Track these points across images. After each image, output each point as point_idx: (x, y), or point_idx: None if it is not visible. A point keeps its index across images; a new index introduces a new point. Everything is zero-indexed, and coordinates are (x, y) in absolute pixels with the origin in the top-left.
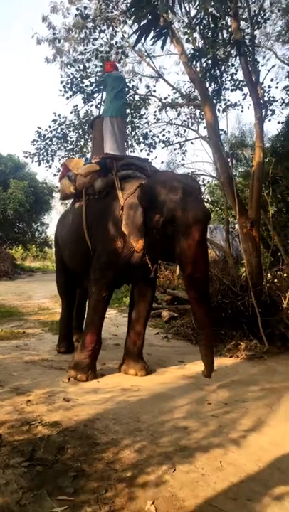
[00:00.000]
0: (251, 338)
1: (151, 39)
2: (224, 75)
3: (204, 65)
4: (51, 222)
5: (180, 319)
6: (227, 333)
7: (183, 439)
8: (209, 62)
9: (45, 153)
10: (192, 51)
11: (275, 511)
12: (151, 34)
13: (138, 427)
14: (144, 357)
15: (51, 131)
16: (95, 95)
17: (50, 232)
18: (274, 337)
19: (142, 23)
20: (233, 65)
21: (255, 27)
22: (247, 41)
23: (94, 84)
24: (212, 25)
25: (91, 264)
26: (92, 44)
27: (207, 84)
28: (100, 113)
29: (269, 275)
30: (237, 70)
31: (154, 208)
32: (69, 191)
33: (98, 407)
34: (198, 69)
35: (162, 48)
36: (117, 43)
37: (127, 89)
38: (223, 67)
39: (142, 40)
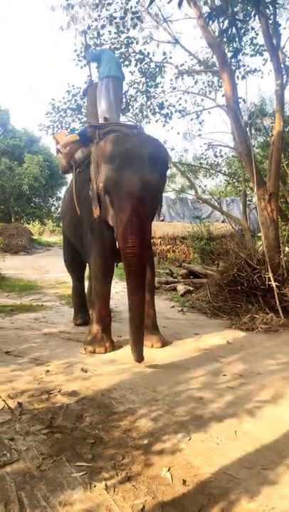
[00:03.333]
0: (267, 312)
1: None
2: (243, 38)
3: (221, 25)
4: None
5: (196, 293)
6: (243, 306)
7: (198, 409)
8: (226, 22)
9: (59, 126)
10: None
11: None
12: None
13: (154, 397)
14: (159, 329)
15: (65, 103)
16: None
17: None
18: None
19: None
20: (252, 28)
21: None
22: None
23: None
24: None
25: (85, 235)
26: (106, 9)
27: (225, 49)
28: (92, 82)
29: (287, 248)
30: (257, 34)
31: (99, 175)
32: (62, 165)
33: (115, 377)
34: (216, 33)
35: (179, 5)
36: (131, 7)
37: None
38: (241, 27)
39: None
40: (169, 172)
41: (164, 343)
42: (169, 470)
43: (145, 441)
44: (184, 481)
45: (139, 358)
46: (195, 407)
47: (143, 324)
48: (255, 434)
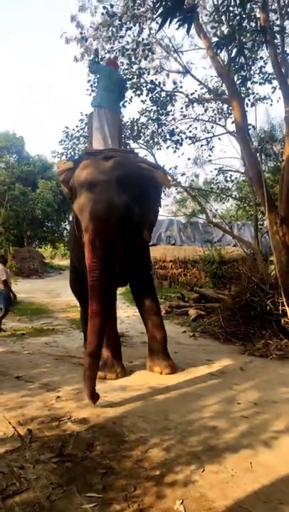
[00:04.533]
0: (281, 337)
1: (177, 22)
2: (252, 67)
3: (230, 53)
4: None
5: (208, 318)
6: (256, 331)
7: (212, 439)
8: (235, 50)
9: (72, 153)
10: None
11: None
12: (176, 19)
13: (166, 426)
14: (170, 355)
15: (78, 131)
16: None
17: None
18: None
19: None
20: (261, 58)
21: (285, 17)
22: (275, 29)
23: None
24: (239, 11)
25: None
26: (119, 42)
27: (235, 78)
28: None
29: None
30: (266, 63)
31: (75, 200)
32: (65, 191)
33: (126, 404)
34: (225, 63)
35: (188, 32)
36: (143, 39)
37: (129, 88)
38: (249, 55)
39: (167, 25)
40: (179, 197)
41: (174, 369)
42: (182, 503)
43: (157, 472)
44: None
45: (90, 395)
46: (208, 437)
47: (97, 356)
48: (271, 466)
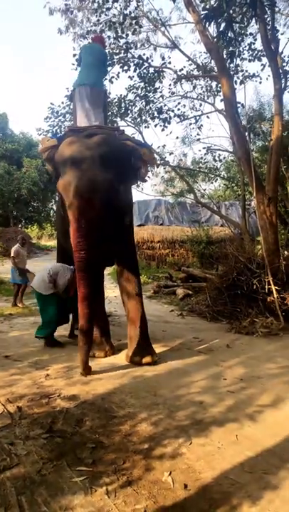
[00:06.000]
0: (267, 316)
1: None
2: (242, 43)
3: (219, 27)
4: None
5: (195, 297)
6: (242, 310)
7: (199, 414)
8: (224, 25)
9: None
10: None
11: None
12: None
13: (154, 401)
14: (157, 336)
15: (64, 107)
16: (109, 68)
17: None
18: None
19: None
20: (251, 34)
21: None
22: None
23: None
24: None
25: None
26: (106, 14)
27: (224, 54)
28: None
29: (286, 252)
30: (255, 39)
31: (59, 177)
32: (49, 169)
33: (115, 381)
34: (214, 39)
35: (173, 0)
36: (130, 12)
37: (110, 62)
38: (238, 30)
39: None
40: (167, 176)
41: (155, 359)
42: (170, 474)
43: (146, 446)
44: (186, 486)
45: (83, 366)
46: (196, 412)
47: (90, 337)
48: (256, 439)
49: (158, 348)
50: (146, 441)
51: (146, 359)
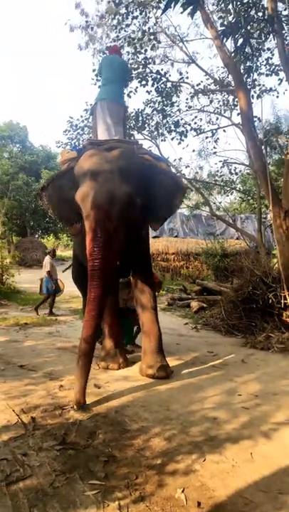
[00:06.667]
0: (283, 331)
1: (181, 6)
2: (259, 58)
3: (236, 42)
4: None
5: (209, 310)
6: (258, 324)
7: (213, 430)
8: (241, 40)
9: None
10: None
11: None
12: (180, 2)
13: (168, 416)
14: (171, 349)
15: (83, 121)
16: (128, 83)
17: None
18: None
19: None
20: (268, 49)
21: None
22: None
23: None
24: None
25: None
26: (125, 31)
27: (241, 68)
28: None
29: None
30: (273, 54)
31: (78, 189)
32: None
33: (128, 394)
34: (232, 54)
35: (192, 16)
36: (149, 28)
37: (131, 74)
38: (256, 45)
39: (172, 7)
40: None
41: (169, 373)
42: (183, 491)
43: (159, 461)
44: (199, 504)
45: (78, 397)
46: (209, 428)
47: (90, 353)
48: (271, 457)
49: (172, 362)
50: (160, 457)
51: (160, 373)
